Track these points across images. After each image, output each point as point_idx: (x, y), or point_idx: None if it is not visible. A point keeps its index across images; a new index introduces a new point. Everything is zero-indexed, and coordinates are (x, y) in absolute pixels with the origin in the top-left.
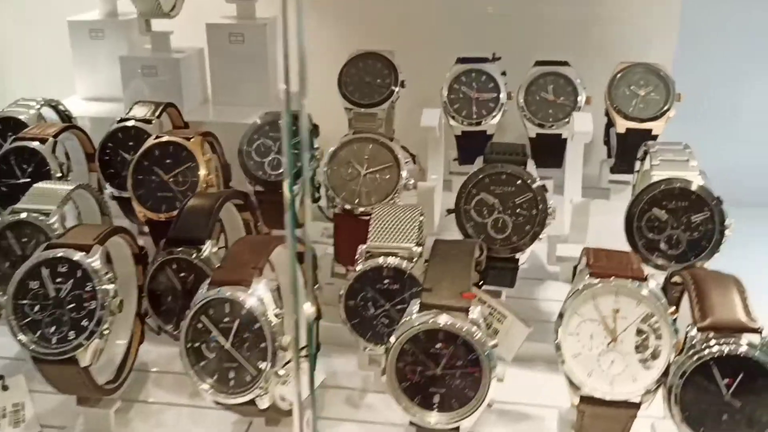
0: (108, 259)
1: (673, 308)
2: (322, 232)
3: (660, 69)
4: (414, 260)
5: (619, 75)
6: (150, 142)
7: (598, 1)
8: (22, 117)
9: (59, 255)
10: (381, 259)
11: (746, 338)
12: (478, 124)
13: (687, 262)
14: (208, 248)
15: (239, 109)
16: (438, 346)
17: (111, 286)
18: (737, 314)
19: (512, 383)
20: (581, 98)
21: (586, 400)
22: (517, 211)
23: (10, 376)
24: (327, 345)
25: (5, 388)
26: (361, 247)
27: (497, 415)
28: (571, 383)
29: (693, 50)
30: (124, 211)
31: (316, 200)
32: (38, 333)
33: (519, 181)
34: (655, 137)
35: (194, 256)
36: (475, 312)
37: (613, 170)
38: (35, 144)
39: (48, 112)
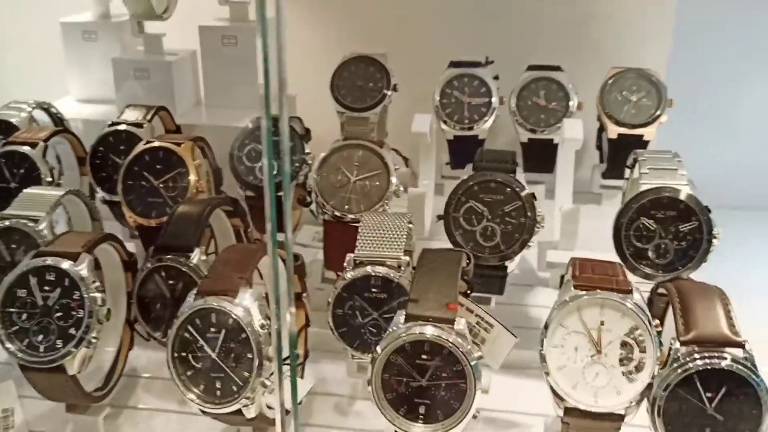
0: (97, 266)
1: (657, 322)
2: (313, 236)
3: (652, 74)
4: (402, 269)
5: (611, 80)
6: (140, 147)
7: (592, 3)
8: (13, 120)
9: (47, 263)
10: (369, 268)
11: (729, 352)
12: (470, 128)
13: (675, 271)
14: (197, 255)
15: (232, 111)
16: (424, 357)
17: (99, 295)
18: (721, 328)
19: (499, 391)
20: (573, 103)
21: (570, 411)
22: (506, 219)
23: (0, 382)
24: (316, 351)
25: None
26: (349, 256)
27: (484, 423)
28: (556, 395)
29: (688, 53)
30: (115, 215)
31: (307, 204)
32: (26, 341)
33: (508, 189)
34: (646, 143)
35: (183, 263)
36: (461, 323)
37: (604, 175)
38: (25, 148)
39: (40, 115)
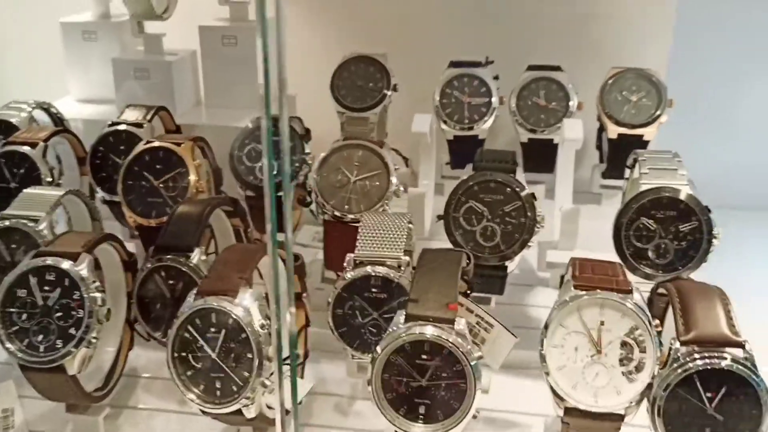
0: (97, 266)
1: (657, 322)
2: (313, 236)
3: (652, 74)
4: (402, 269)
5: (610, 81)
6: (140, 147)
7: (592, 3)
8: (13, 120)
9: (47, 263)
10: (369, 268)
11: (729, 352)
12: (470, 128)
13: (675, 271)
14: (197, 255)
15: (232, 111)
16: (424, 357)
17: (99, 295)
18: (721, 328)
19: (499, 391)
20: (573, 103)
21: (570, 411)
22: (506, 219)
23: (0, 382)
24: (316, 351)
25: None
26: (349, 256)
27: (484, 423)
28: (556, 395)
29: (688, 53)
30: (115, 215)
31: (307, 204)
32: (26, 341)
33: (508, 189)
34: (646, 143)
35: (183, 263)
36: (461, 323)
37: (604, 175)
38: (25, 148)
39: (40, 115)
